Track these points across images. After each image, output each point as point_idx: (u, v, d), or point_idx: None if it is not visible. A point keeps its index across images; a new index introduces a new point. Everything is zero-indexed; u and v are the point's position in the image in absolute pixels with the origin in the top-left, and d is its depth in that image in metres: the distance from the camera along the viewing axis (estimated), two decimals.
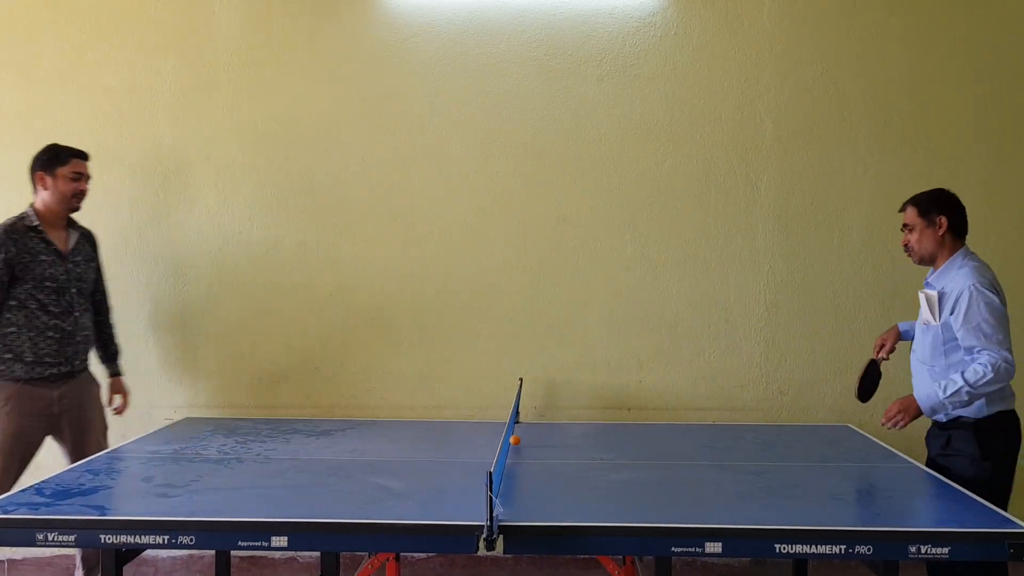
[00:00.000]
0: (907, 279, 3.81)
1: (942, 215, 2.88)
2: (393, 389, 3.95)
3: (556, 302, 3.93)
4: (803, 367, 3.87)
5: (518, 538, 2.21)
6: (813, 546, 2.19)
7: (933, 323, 2.84)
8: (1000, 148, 3.85)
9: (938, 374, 2.84)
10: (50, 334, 3.28)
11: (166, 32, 3.94)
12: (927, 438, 2.97)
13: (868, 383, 3.17)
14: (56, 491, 2.55)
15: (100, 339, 3.60)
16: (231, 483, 2.69)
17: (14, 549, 3.92)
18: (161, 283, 3.96)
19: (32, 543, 2.28)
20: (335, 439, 3.33)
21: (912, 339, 3.07)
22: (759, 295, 3.88)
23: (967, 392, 2.69)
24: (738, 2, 3.87)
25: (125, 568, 2.50)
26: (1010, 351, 2.73)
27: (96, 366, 3.59)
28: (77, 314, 3.38)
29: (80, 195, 3.40)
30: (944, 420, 2.85)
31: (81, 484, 2.62)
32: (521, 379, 3.84)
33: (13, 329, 3.25)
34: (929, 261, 2.94)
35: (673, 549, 2.22)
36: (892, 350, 3.14)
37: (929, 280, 2.94)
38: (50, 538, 2.26)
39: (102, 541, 2.27)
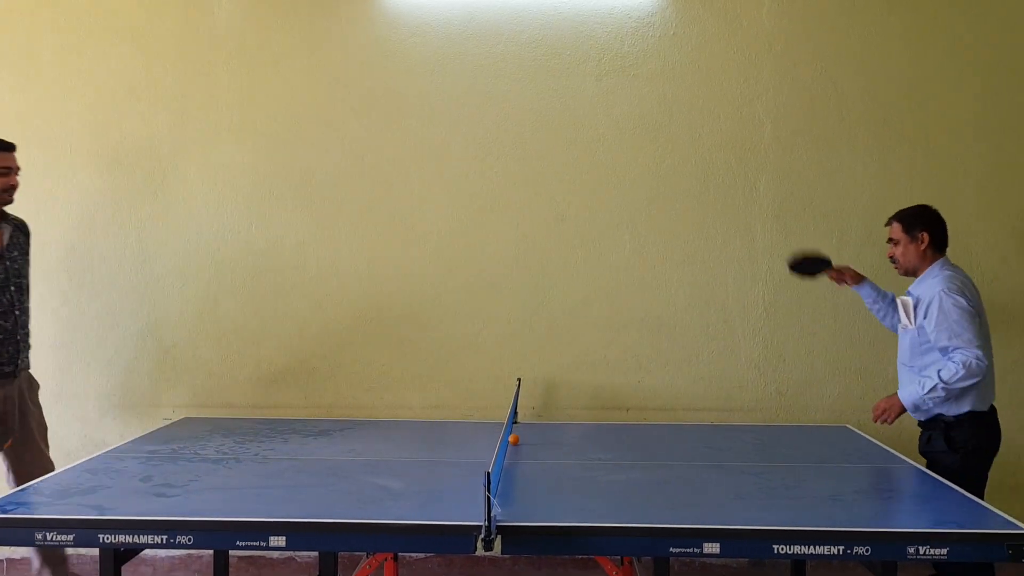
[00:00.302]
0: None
1: (924, 231, 3.12)
2: (391, 389, 3.95)
3: (554, 302, 3.93)
4: (801, 368, 3.87)
5: (516, 538, 2.21)
6: (811, 547, 2.19)
7: (910, 327, 3.09)
8: (999, 147, 3.85)
9: (916, 374, 3.07)
10: None
11: (166, 31, 3.94)
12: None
13: (809, 264, 3.41)
14: (55, 491, 2.55)
15: None
16: (229, 483, 2.69)
17: (12, 549, 3.91)
18: (160, 282, 3.96)
19: (31, 543, 2.28)
20: (333, 439, 3.33)
21: (870, 300, 3.39)
22: (758, 295, 3.88)
23: (942, 388, 2.92)
24: (737, 2, 3.87)
25: (124, 568, 2.50)
26: (981, 348, 2.95)
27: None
28: (18, 312, 3.29)
29: (10, 189, 3.28)
30: (924, 419, 3.08)
31: (80, 484, 2.62)
32: (519, 379, 3.84)
33: None
34: (913, 272, 3.17)
35: (671, 550, 2.23)
36: (844, 280, 3.40)
37: (910, 289, 3.16)
38: (49, 538, 2.26)
39: (101, 541, 2.27)
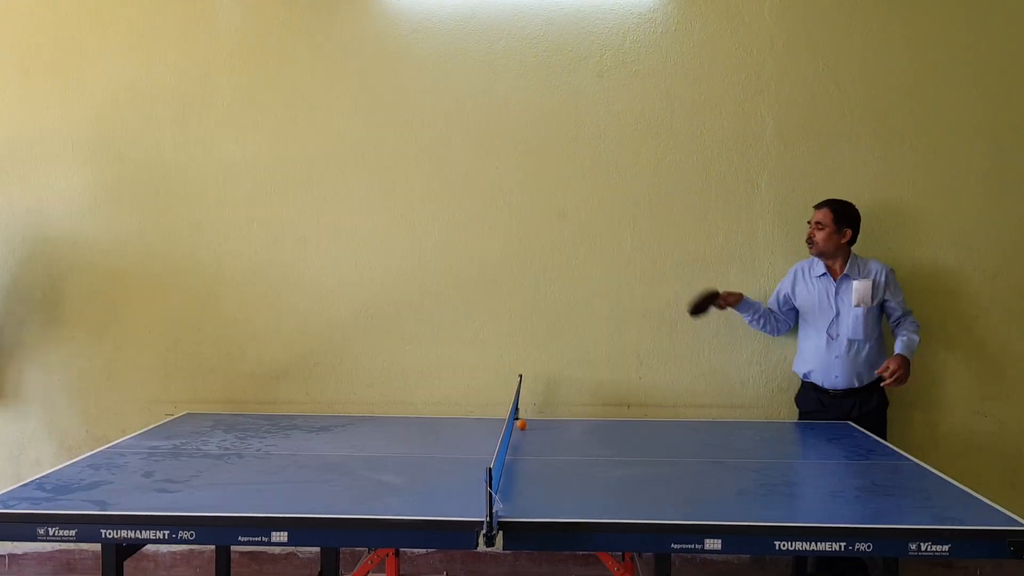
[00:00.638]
0: (906, 276, 3.81)
1: (849, 228, 3.57)
2: (393, 385, 3.95)
3: (556, 298, 3.93)
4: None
5: (517, 534, 2.21)
6: (813, 543, 2.20)
7: (871, 304, 3.55)
8: (1000, 144, 3.85)
9: (875, 343, 3.58)
10: None
11: (167, 29, 3.94)
12: (809, 404, 3.66)
13: (704, 304, 3.65)
14: (57, 486, 2.55)
15: None
16: (231, 478, 2.69)
17: (15, 544, 3.93)
18: (161, 279, 3.96)
19: (33, 538, 2.28)
20: (335, 435, 3.33)
21: (750, 309, 3.72)
22: (759, 291, 3.88)
23: (917, 343, 3.57)
24: None
25: (125, 563, 2.50)
26: None
27: None
28: None
29: None
30: (859, 386, 3.57)
31: (82, 479, 2.63)
32: (521, 375, 3.85)
33: None
34: (825, 256, 3.62)
35: (672, 546, 2.23)
36: (725, 306, 3.68)
37: (848, 274, 3.59)
38: (51, 533, 2.26)
39: (103, 536, 2.27)
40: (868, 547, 2.19)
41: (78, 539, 2.29)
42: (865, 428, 3.44)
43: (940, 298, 3.85)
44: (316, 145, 3.94)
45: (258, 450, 3.05)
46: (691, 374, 3.90)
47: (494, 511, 2.15)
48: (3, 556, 3.97)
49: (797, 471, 2.89)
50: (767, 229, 3.87)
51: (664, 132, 3.90)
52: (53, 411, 3.97)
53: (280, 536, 2.24)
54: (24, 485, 2.58)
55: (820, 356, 3.61)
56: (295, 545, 3.27)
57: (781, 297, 3.75)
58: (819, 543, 2.19)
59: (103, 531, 2.27)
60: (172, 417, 3.70)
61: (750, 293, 3.80)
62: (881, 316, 3.64)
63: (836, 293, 3.60)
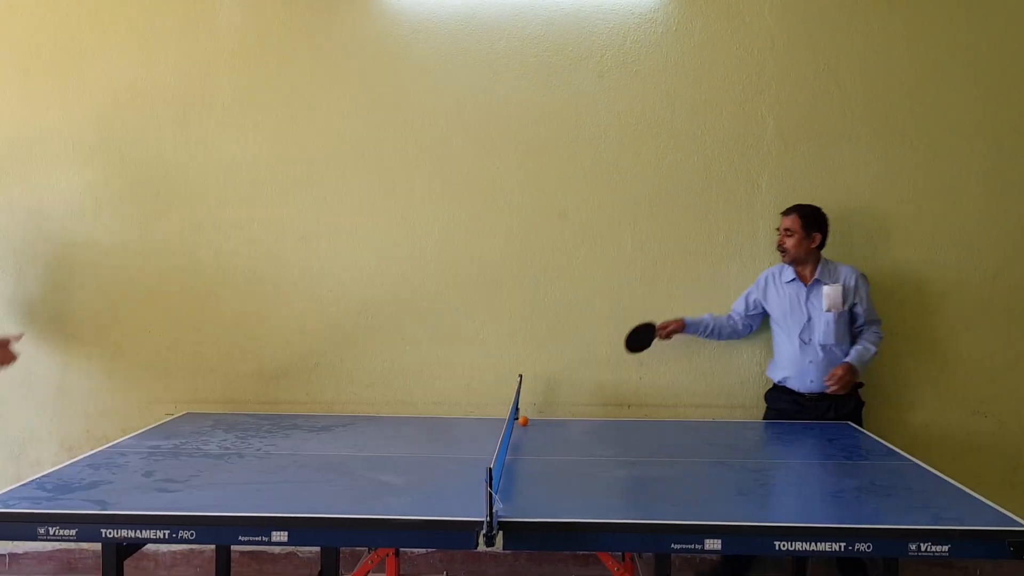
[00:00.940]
0: (907, 276, 3.82)
1: (818, 233, 3.58)
2: (393, 385, 3.95)
3: (556, 298, 3.93)
4: None
5: (517, 534, 2.21)
6: (813, 543, 2.19)
7: (841, 309, 3.55)
8: (1001, 144, 3.84)
9: (849, 347, 3.57)
10: None
11: (167, 29, 3.94)
12: (781, 403, 3.65)
13: (638, 339, 3.68)
14: (57, 486, 2.55)
15: None
16: (232, 478, 2.69)
17: (15, 543, 3.93)
18: (162, 278, 3.96)
19: (33, 537, 2.28)
20: (335, 435, 3.33)
21: (698, 329, 3.75)
22: None
23: (873, 353, 3.57)
24: None
25: (126, 562, 2.51)
26: None
27: None
28: None
29: None
30: (826, 391, 3.54)
31: (82, 479, 2.63)
32: (521, 375, 3.85)
33: None
34: (796, 262, 3.61)
35: (673, 546, 2.22)
36: (669, 336, 3.73)
37: (820, 279, 3.58)
38: (51, 532, 2.26)
39: (103, 536, 2.27)
40: (868, 547, 2.19)
41: (78, 539, 2.29)
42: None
43: (940, 298, 3.85)
44: (316, 145, 3.94)
45: (258, 450, 3.05)
46: (691, 374, 3.90)
47: (494, 511, 2.15)
48: (3, 555, 3.98)
49: (797, 471, 2.89)
50: (768, 229, 3.87)
51: (665, 132, 3.89)
52: (53, 411, 3.97)
53: (280, 536, 2.24)
54: (24, 484, 2.58)
55: (795, 362, 3.62)
56: (295, 545, 3.26)
57: (750, 302, 3.74)
58: (819, 543, 2.19)
59: (103, 531, 2.27)
60: (172, 417, 3.70)
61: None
62: (852, 320, 3.63)
63: (807, 298, 3.60)
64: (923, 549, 2.17)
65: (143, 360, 3.97)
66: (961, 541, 2.19)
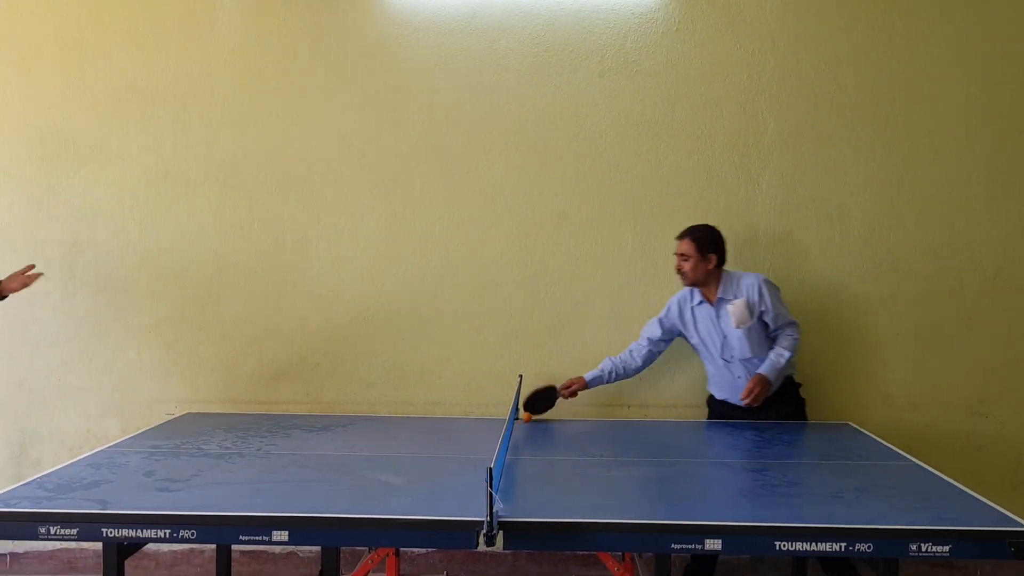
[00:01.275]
0: (908, 276, 3.82)
1: (713, 254, 3.51)
2: (393, 385, 3.95)
3: (556, 299, 3.93)
4: (804, 364, 3.86)
5: (518, 534, 2.21)
6: (813, 544, 2.19)
7: (750, 323, 3.48)
8: (1001, 144, 3.84)
9: (756, 360, 3.51)
10: None
11: (167, 29, 3.94)
12: (723, 412, 3.62)
13: (541, 401, 3.59)
14: (58, 485, 2.55)
15: None
16: (232, 478, 2.69)
17: (16, 543, 3.93)
18: (162, 278, 3.97)
19: (34, 537, 2.28)
20: (335, 434, 3.33)
21: (600, 380, 3.66)
22: None
23: (788, 358, 3.47)
24: None
25: (126, 562, 2.51)
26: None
27: None
28: None
29: None
30: (769, 395, 3.48)
31: (83, 478, 2.63)
32: (521, 376, 3.84)
33: None
34: (697, 285, 3.56)
35: (673, 546, 2.22)
36: (574, 394, 3.64)
37: (721, 297, 3.53)
38: (52, 532, 2.26)
39: (104, 535, 2.27)
40: (868, 547, 2.19)
41: (79, 538, 2.30)
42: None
43: (940, 298, 3.85)
44: (316, 145, 3.94)
45: (259, 450, 3.05)
46: (692, 374, 3.90)
47: (494, 511, 2.15)
48: (4, 555, 3.98)
49: (797, 471, 2.89)
50: (768, 229, 3.87)
51: (665, 132, 3.89)
52: (54, 411, 3.97)
53: (281, 535, 2.24)
54: (25, 484, 2.58)
55: (725, 380, 3.59)
56: (296, 544, 3.27)
57: (665, 328, 3.65)
58: (819, 543, 2.19)
59: (104, 530, 2.27)
60: (173, 417, 3.71)
61: None
62: (767, 327, 3.55)
63: (718, 317, 3.55)
64: (923, 549, 2.17)
65: (143, 360, 3.97)
66: (961, 541, 2.19)
